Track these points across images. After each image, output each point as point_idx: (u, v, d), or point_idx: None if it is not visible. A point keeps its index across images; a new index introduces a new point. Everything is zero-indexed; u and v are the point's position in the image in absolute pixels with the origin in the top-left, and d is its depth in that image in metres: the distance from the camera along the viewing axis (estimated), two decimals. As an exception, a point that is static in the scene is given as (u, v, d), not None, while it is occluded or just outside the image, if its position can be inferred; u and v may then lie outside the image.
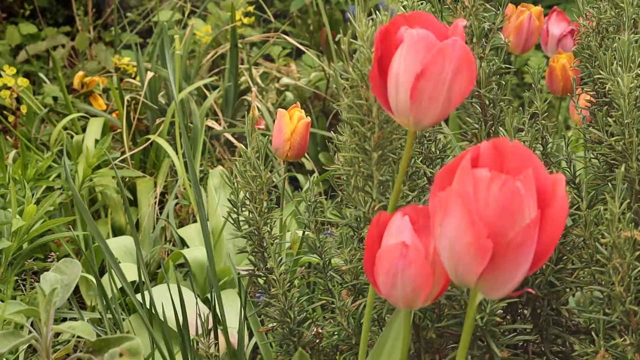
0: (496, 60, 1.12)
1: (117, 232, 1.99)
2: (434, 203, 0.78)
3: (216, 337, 1.27)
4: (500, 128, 1.13)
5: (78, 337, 1.66)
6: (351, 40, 0.98)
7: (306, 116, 1.49)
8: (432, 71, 0.84)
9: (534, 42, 2.06)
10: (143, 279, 1.30)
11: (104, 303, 1.29)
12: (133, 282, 1.62)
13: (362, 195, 1.04)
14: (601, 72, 1.09)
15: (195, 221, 2.00)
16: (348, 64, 0.98)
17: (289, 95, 2.48)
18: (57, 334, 1.40)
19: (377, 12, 1.00)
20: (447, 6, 1.13)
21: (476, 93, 1.12)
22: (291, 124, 1.46)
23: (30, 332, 0.95)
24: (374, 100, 0.98)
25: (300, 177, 2.25)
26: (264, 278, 1.18)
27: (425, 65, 0.84)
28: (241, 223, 1.18)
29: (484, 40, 1.12)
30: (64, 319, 1.59)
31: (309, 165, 2.32)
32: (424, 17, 0.88)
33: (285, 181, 1.74)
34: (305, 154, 2.29)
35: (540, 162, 0.76)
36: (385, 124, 0.99)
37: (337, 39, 0.99)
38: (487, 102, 1.13)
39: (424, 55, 0.84)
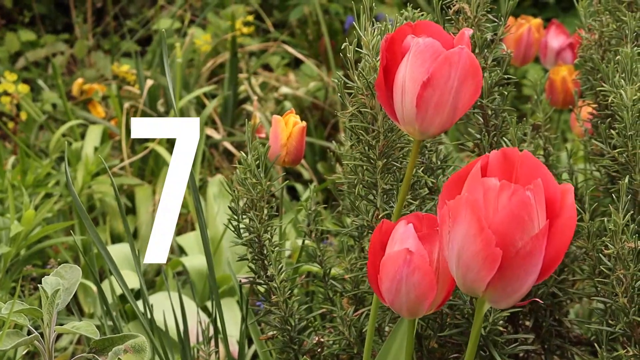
0: (498, 71, 1.12)
1: (115, 239, 1.99)
2: (442, 211, 0.78)
3: (216, 345, 1.27)
4: (503, 139, 1.13)
5: (76, 345, 1.66)
6: (356, 48, 0.98)
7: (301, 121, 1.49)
8: (439, 79, 0.84)
9: (534, 55, 2.07)
10: (142, 286, 1.30)
11: (105, 309, 1.29)
12: (131, 290, 1.62)
13: (365, 203, 1.04)
14: (604, 84, 1.10)
15: (193, 229, 2.00)
16: (353, 72, 0.98)
17: (288, 104, 2.48)
18: (56, 339, 1.40)
19: (377, 22, 1.00)
20: (448, 17, 1.13)
21: (479, 103, 1.12)
22: (287, 129, 1.45)
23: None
24: (379, 109, 0.98)
25: (298, 186, 2.24)
26: (265, 286, 1.18)
27: (431, 74, 0.84)
28: (241, 231, 1.18)
29: (486, 50, 1.12)
30: (61, 324, 1.59)
31: (307, 174, 2.31)
32: (430, 26, 0.88)
33: (284, 190, 1.74)
34: (304, 163, 2.29)
35: (549, 172, 0.76)
36: (389, 132, 0.99)
37: (342, 47, 0.99)
38: (490, 113, 1.13)
39: (430, 63, 0.84)
